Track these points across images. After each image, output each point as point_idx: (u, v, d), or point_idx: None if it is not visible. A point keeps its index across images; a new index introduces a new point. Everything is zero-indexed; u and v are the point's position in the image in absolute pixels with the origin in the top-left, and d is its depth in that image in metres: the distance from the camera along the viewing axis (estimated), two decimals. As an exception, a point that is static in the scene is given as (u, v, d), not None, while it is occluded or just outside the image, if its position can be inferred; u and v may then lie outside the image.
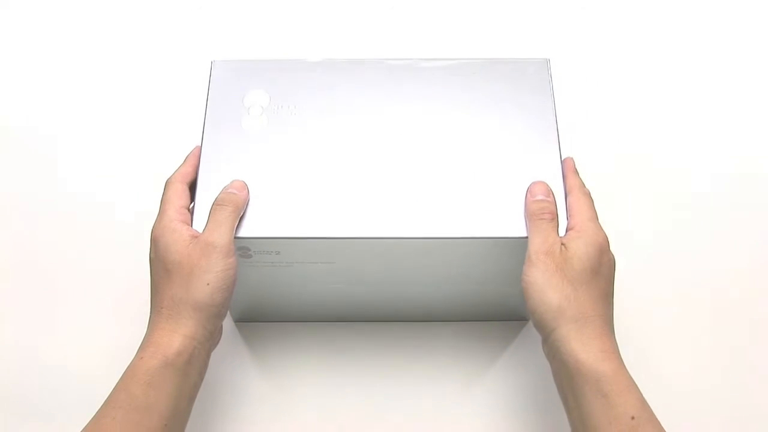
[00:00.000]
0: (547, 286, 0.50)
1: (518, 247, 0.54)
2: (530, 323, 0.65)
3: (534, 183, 0.55)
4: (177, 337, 0.51)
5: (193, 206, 0.56)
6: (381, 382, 0.63)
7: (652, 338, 0.64)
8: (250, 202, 0.55)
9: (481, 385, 0.63)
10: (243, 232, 0.54)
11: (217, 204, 0.54)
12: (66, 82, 0.77)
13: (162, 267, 0.52)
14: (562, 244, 0.52)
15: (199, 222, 0.54)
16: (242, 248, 0.55)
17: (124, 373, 0.51)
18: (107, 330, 0.65)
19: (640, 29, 0.79)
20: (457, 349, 0.64)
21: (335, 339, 0.65)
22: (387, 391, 0.63)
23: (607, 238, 0.53)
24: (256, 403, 0.62)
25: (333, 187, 0.56)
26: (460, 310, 0.65)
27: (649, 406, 0.49)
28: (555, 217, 0.53)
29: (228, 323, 0.65)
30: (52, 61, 0.78)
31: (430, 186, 0.56)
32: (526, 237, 0.53)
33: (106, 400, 0.50)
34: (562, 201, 0.55)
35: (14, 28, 0.80)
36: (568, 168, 0.57)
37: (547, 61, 0.61)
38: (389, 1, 0.80)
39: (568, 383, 0.50)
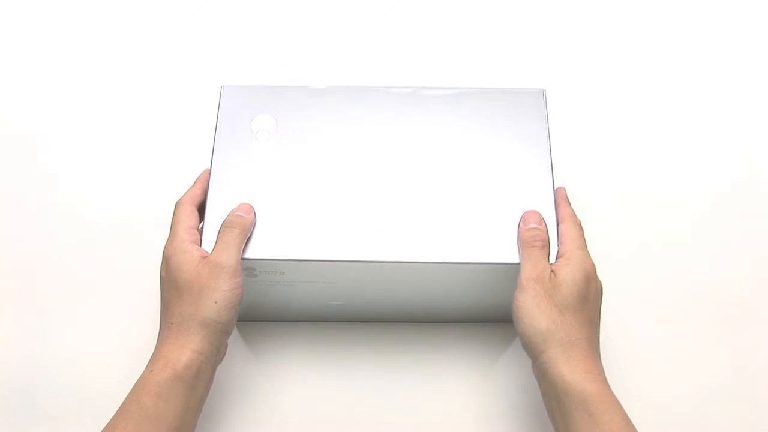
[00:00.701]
0: (537, 311, 0.53)
1: (512, 271, 0.57)
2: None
3: (527, 212, 0.58)
4: (186, 351, 0.53)
5: (203, 227, 0.58)
6: (380, 381, 0.65)
7: (636, 356, 0.66)
8: (256, 224, 0.58)
9: (481, 386, 0.64)
10: (249, 254, 0.57)
11: (225, 226, 0.56)
12: (80, 109, 0.78)
13: (173, 285, 0.55)
14: (552, 271, 0.55)
15: (208, 242, 0.57)
16: (248, 268, 0.58)
17: (135, 385, 0.53)
18: (115, 337, 0.67)
19: (638, 61, 0.81)
20: (457, 349, 0.66)
21: (335, 338, 0.66)
22: (386, 390, 0.64)
23: (594, 265, 0.56)
24: (255, 402, 0.64)
25: (335, 211, 0.59)
26: (458, 315, 0.66)
27: (632, 424, 0.51)
28: (546, 245, 0.56)
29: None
30: (66, 87, 0.80)
31: (428, 212, 0.59)
32: (519, 263, 0.56)
33: (117, 411, 0.53)
34: (554, 229, 0.58)
35: (11, 49, 0.82)
36: (560, 197, 0.60)
37: (543, 91, 0.64)
38: (389, 2, 0.82)
39: (556, 403, 0.52)
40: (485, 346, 0.65)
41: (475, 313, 0.65)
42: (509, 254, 0.57)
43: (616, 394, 0.53)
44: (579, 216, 0.60)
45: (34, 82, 0.80)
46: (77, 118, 0.77)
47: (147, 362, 0.55)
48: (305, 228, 0.58)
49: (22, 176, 0.74)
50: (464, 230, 0.58)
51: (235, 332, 0.67)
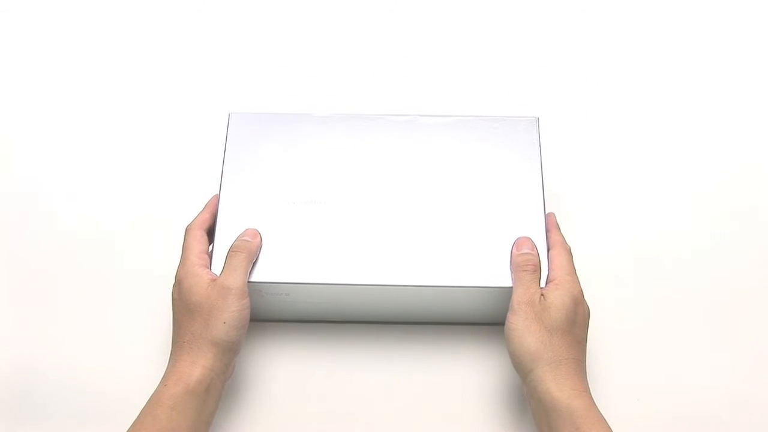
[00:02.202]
0: (527, 333, 0.56)
1: (504, 294, 0.60)
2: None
3: (520, 237, 0.61)
4: (197, 368, 0.57)
5: (212, 250, 0.62)
6: (380, 381, 0.66)
7: (632, 365, 0.67)
8: (262, 248, 0.61)
9: (483, 386, 0.66)
10: (255, 277, 0.60)
11: (232, 250, 0.60)
12: (93, 137, 0.79)
13: (184, 306, 0.58)
14: (542, 294, 0.58)
15: (218, 264, 0.61)
16: (255, 290, 0.61)
17: (150, 399, 0.57)
18: (115, 337, 0.68)
19: (632, 90, 0.82)
20: (458, 350, 0.67)
21: (335, 339, 0.67)
22: (385, 389, 0.65)
23: (581, 290, 0.59)
24: (254, 402, 0.65)
25: (337, 235, 0.62)
26: (457, 320, 0.67)
27: None
28: (537, 269, 0.59)
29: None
30: (73, 113, 0.81)
31: (426, 237, 0.62)
32: (504, 287, 0.60)
33: (132, 423, 0.56)
34: (544, 253, 0.61)
35: (13, 73, 0.85)
36: (550, 223, 0.63)
37: (537, 119, 0.67)
38: (391, 20, 0.85)
39: (545, 419, 0.56)
40: (487, 347, 0.67)
41: (475, 319, 0.67)
42: (502, 278, 0.60)
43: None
44: (570, 230, 0.63)
45: (33, 94, 0.82)
46: (94, 157, 0.79)
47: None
48: (308, 252, 0.61)
49: (30, 182, 0.77)
50: (460, 254, 0.61)
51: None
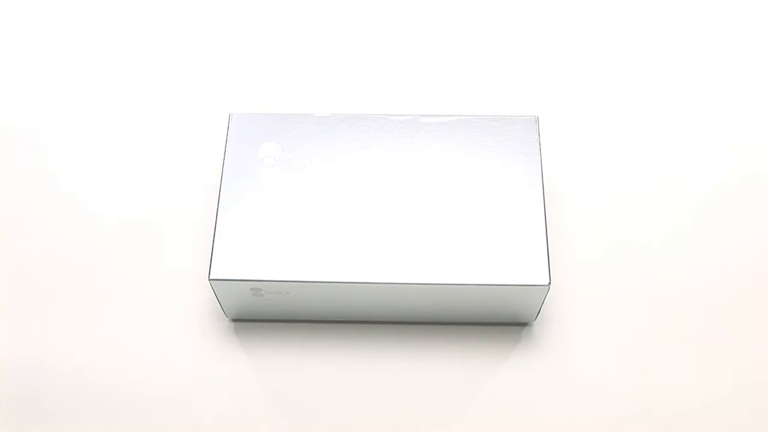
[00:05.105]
0: None
1: (501, 291, 0.61)
2: (531, 327, 0.67)
3: None
4: None
5: (212, 250, 0.62)
6: (379, 384, 0.66)
7: (627, 362, 0.67)
8: (263, 247, 0.62)
9: (483, 389, 0.66)
10: (256, 275, 0.61)
11: None
12: (91, 138, 0.79)
13: None
14: None
15: (220, 264, 0.61)
16: (254, 288, 0.62)
17: None
18: (118, 336, 0.68)
19: (633, 90, 0.81)
20: (462, 350, 0.67)
21: (336, 339, 0.67)
22: (386, 393, 0.65)
23: None
24: (251, 406, 0.65)
25: (339, 234, 0.62)
26: (457, 318, 0.67)
27: None
28: None
29: (223, 323, 0.68)
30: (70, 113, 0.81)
31: (424, 236, 0.62)
32: (506, 285, 0.60)
33: None
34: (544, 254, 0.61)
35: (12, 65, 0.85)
36: None
37: (537, 119, 0.67)
38: (390, 3, 0.85)
39: None
40: (488, 347, 0.67)
41: (475, 318, 0.67)
42: (500, 276, 0.61)
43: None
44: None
45: (31, 94, 0.82)
46: (92, 136, 0.80)
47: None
48: (309, 251, 0.62)
49: (32, 177, 0.76)
50: (459, 253, 0.61)
51: (231, 332, 0.68)
